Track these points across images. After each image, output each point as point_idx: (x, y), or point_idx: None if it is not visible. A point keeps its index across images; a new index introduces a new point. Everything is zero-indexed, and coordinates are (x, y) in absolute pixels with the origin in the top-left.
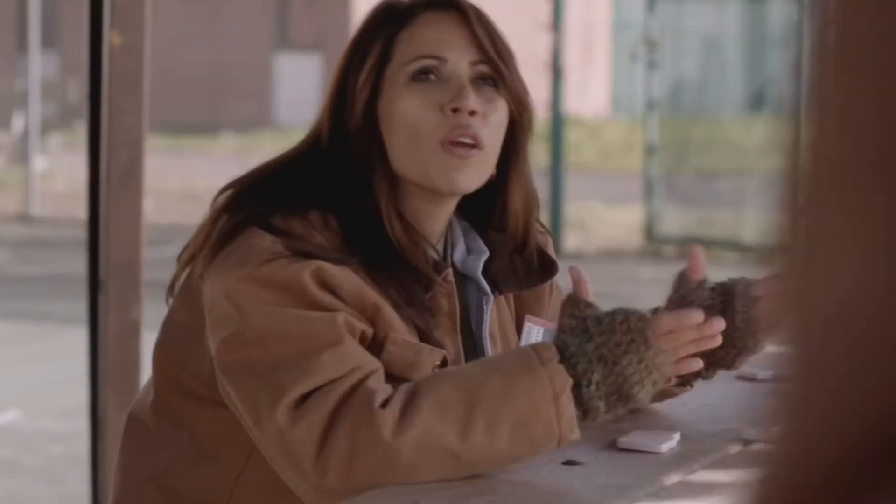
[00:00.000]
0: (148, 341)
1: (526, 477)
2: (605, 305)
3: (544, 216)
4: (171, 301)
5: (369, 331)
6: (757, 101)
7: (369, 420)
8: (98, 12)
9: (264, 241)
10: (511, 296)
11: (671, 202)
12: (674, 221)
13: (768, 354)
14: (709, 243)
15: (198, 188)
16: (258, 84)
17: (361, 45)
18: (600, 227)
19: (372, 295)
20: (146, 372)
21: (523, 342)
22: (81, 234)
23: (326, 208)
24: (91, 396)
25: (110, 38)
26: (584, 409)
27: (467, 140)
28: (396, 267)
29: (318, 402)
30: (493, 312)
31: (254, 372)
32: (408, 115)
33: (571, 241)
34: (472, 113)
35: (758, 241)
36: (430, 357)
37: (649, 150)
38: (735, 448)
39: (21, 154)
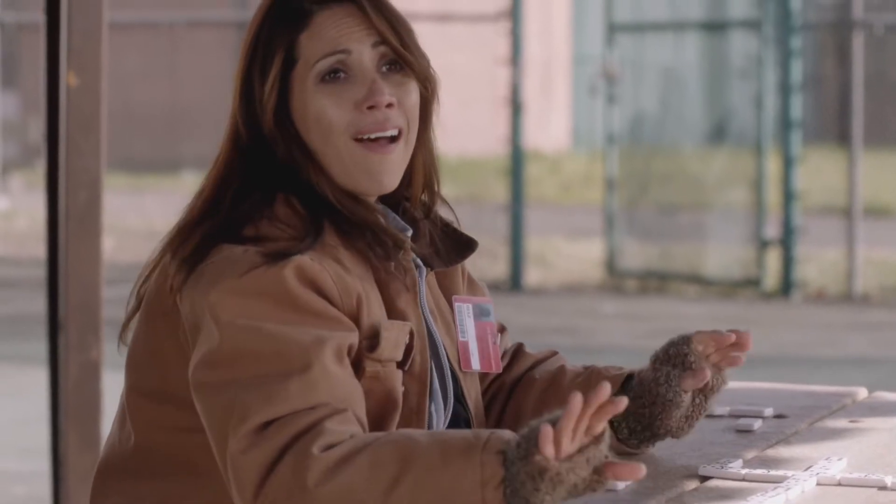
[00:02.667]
0: (108, 381)
1: None
2: (567, 340)
3: (505, 250)
4: (129, 340)
5: (353, 338)
6: (717, 134)
7: (304, 463)
8: (55, 53)
9: (236, 252)
10: (433, 274)
11: (631, 236)
12: (634, 255)
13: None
14: (669, 277)
15: (158, 226)
16: (218, 121)
17: (262, 50)
18: (561, 262)
19: (352, 282)
20: (107, 411)
21: (458, 322)
22: (42, 273)
23: (286, 193)
24: (52, 436)
25: (67, 78)
26: None
27: (388, 134)
28: (366, 235)
29: (273, 434)
30: (426, 289)
31: (221, 393)
32: (320, 116)
33: (533, 275)
34: (389, 106)
35: (718, 274)
36: (401, 332)
37: (609, 184)
38: (691, 485)
39: None
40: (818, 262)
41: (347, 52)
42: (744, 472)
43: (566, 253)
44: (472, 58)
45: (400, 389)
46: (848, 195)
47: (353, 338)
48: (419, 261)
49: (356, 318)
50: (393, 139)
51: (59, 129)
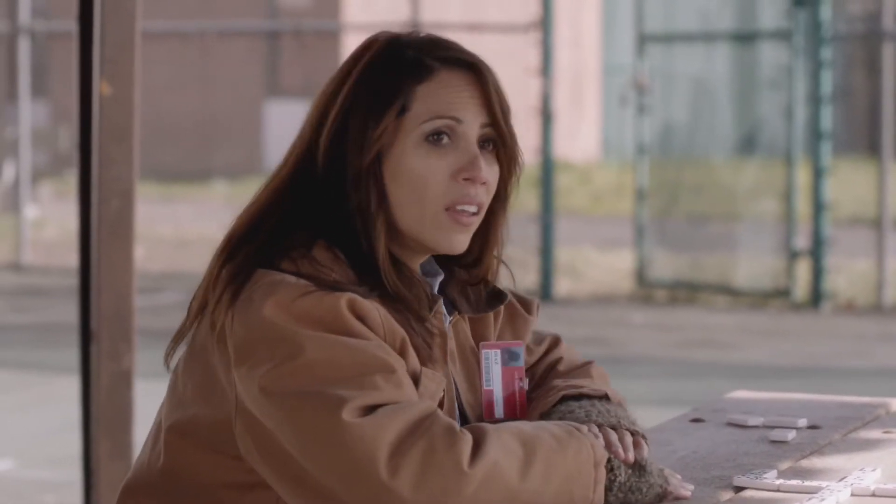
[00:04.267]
0: (140, 390)
1: None
2: (597, 350)
3: (536, 260)
4: (179, 366)
5: (403, 364)
6: (747, 145)
7: (451, 443)
8: (88, 63)
9: (283, 277)
10: (467, 319)
11: (662, 246)
12: (664, 266)
13: (759, 400)
14: (699, 287)
15: (189, 235)
16: (248, 130)
17: (372, 92)
18: (591, 272)
19: (398, 328)
20: (139, 421)
21: (483, 369)
22: (73, 282)
23: (329, 242)
24: (84, 445)
25: (100, 88)
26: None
27: (473, 209)
28: (402, 302)
29: (391, 413)
30: (452, 333)
31: (307, 397)
32: (418, 174)
33: (562, 286)
34: (483, 183)
35: (748, 285)
36: (438, 386)
37: (639, 195)
38: (726, 495)
39: (12, 203)
40: (848, 272)
41: (459, 121)
42: (778, 482)
43: (596, 263)
44: (502, 68)
45: None
46: (878, 206)
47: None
48: (444, 310)
49: (402, 356)
50: (475, 213)
51: (92, 139)
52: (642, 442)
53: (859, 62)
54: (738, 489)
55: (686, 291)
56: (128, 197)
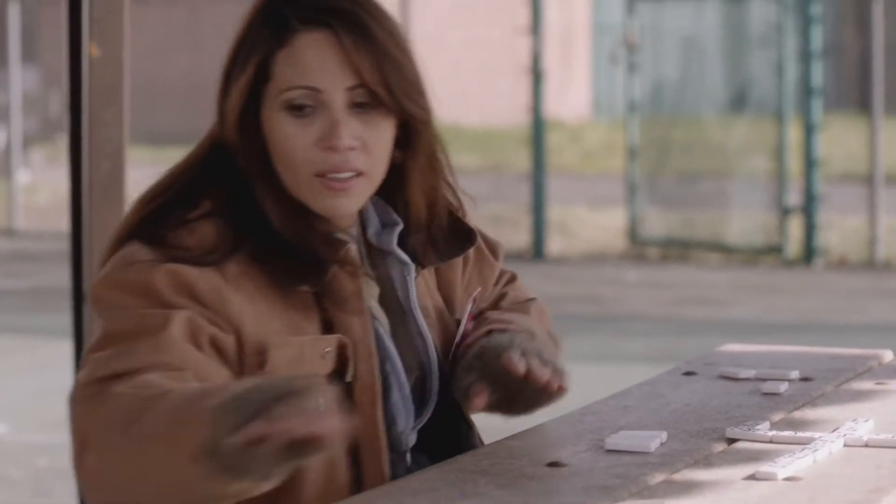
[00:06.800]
0: None
1: (510, 479)
2: (590, 308)
3: (528, 219)
4: None
5: (226, 336)
6: (738, 102)
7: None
8: (77, 25)
9: (133, 248)
10: (433, 271)
11: (653, 204)
12: (656, 224)
13: (751, 353)
14: (691, 245)
15: None
16: None
17: (241, 53)
18: (583, 231)
19: (232, 297)
20: None
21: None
22: (65, 247)
23: (216, 206)
24: None
25: (89, 50)
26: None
27: (345, 175)
28: (287, 255)
29: (107, 390)
30: (421, 284)
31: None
32: (284, 144)
33: (555, 244)
34: (350, 148)
35: (740, 242)
36: (314, 347)
37: (630, 153)
38: (719, 447)
39: (3, 168)
40: (840, 229)
41: (318, 90)
42: (771, 434)
43: (588, 222)
44: (492, 27)
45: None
46: (869, 162)
47: (216, 331)
48: (406, 258)
49: (237, 330)
50: (351, 177)
51: (82, 101)
52: (562, 373)
53: (849, 18)
54: (731, 441)
55: (678, 249)
56: (119, 158)
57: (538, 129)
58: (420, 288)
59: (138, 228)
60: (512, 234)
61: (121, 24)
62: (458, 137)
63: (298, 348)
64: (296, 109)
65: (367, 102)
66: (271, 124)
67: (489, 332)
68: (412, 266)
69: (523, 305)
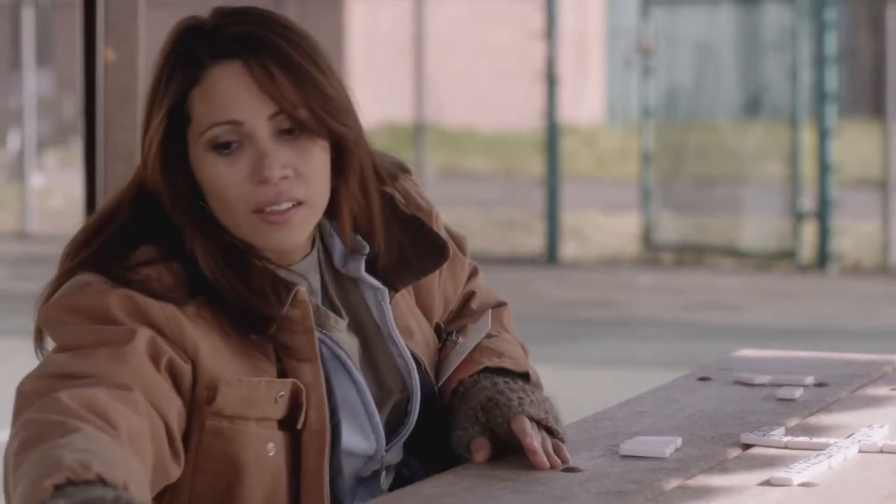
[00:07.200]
0: None
1: (526, 484)
2: (604, 313)
3: (541, 224)
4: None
5: (184, 364)
6: (752, 107)
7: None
8: (91, 28)
9: (84, 276)
10: (411, 290)
11: (667, 209)
12: (670, 229)
13: (766, 358)
14: (705, 250)
15: None
16: None
17: (157, 93)
18: (597, 236)
19: (190, 332)
20: None
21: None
22: None
23: (159, 252)
24: None
25: (104, 54)
26: None
27: (284, 206)
28: (234, 304)
29: (53, 388)
30: (400, 304)
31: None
32: (215, 184)
33: (569, 249)
34: (284, 178)
35: (754, 247)
36: (268, 390)
37: (645, 158)
38: (734, 452)
39: (17, 171)
40: (854, 234)
41: (240, 123)
42: (786, 439)
43: (602, 227)
44: (507, 32)
45: (261, 452)
46: (883, 167)
47: (175, 358)
48: (377, 283)
49: (193, 362)
50: (290, 208)
51: (97, 104)
52: (563, 447)
53: (863, 23)
54: (746, 446)
55: (692, 254)
56: (133, 162)
57: (552, 133)
58: (399, 309)
59: (89, 262)
60: (526, 238)
61: (135, 28)
62: (472, 142)
63: (250, 390)
64: (222, 148)
65: (292, 128)
66: (200, 166)
67: (485, 369)
68: (385, 291)
69: (497, 314)
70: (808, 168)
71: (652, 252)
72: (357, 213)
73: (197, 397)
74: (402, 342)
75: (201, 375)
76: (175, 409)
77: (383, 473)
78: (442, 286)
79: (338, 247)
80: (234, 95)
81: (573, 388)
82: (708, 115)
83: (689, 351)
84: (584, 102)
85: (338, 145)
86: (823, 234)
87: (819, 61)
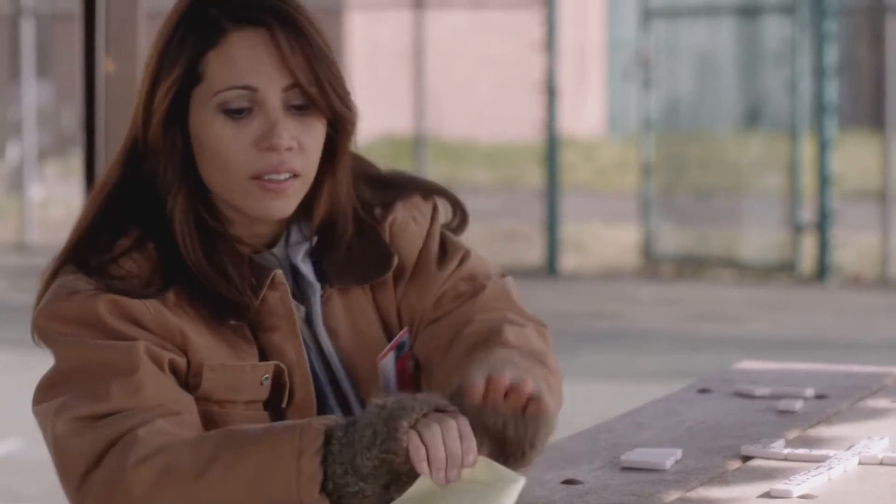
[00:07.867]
0: None
1: (524, 497)
2: (604, 325)
3: (541, 236)
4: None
5: (180, 359)
6: (752, 119)
7: (128, 447)
8: (92, 40)
9: (69, 279)
10: (367, 288)
11: (667, 221)
12: (670, 240)
13: (766, 370)
14: (705, 261)
15: None
16: None
17: (168, 55)
18: (597, 247)
19: (176, 322)
20: None
21: (385, 380)
22: None
23: (145, 234)
24: None
25: (105, 65)
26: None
27: (283, 176)
28: (213, 289)
29: (103, 427)
30: (337, 304)
31: (53, 410)
32: (219, 146)
33: (569, 261)
34: (289, 149)
35: (754, 259)
36: (253, 374)
37: (645, 170)
38: (734, 464)
39: (17, 182)
40: (854, 246)
41: (254, 89)
42: (786, 451)
43: (602, 238)
44: (507, 44)
45: None
46: (883, 179)
47: (174, 356)
48: (311, 276)
49: (184, 352)
50: (288, 179)
51: (97, 116)
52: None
53: (863, 35)
54: (746, 458)
55: (692, 265)
56: None
57: (552, 145)
58: (333, 308)
59: (73, 255)
60: (526, 250)
61: (136, 39)
62: (472, 154)
63: (235, 375)
64: (234, 113)
65: (302, 104)
66: (203, 127)
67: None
68: (317, 285)
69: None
70: (807, 180)
71: (652, 264)
72: (333, 200)
73: (190, 384)
74: (327, 342)
75: (192, 363)
76: (192, 402)
77: None
78: (399, 297)
79: (293, 233)
80: (254, 62)
81: (573, 399)
82: (708, 127)
83: (689, 362)
84: (585, 114)
85: (334, 128)
86: (823, 246)
87: (819, 73)
